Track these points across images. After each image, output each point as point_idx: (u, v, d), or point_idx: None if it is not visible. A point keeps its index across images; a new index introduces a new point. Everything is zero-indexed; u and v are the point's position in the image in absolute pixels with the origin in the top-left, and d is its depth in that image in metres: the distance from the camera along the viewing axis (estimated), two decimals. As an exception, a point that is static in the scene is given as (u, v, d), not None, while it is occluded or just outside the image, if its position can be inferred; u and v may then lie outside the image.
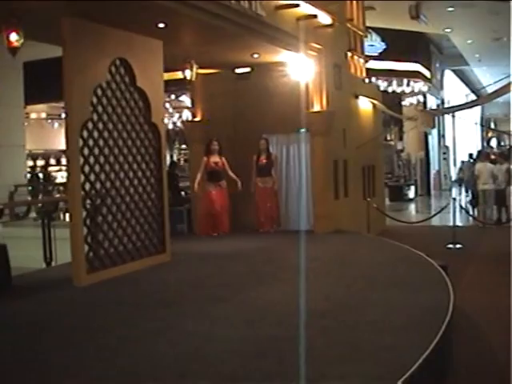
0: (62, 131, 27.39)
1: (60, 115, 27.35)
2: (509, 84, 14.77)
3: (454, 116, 27.72)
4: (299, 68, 13.82)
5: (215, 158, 13.88)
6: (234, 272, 9.84)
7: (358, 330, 6.44)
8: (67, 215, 15.67)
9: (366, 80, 18.15)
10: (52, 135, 28.71)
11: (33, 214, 15.76)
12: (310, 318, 6.67)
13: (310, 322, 6.53)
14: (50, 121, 29.20)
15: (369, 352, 5.67)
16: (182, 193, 17.04)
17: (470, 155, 28.48)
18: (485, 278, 11.48)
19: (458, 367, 6.82)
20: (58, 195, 20.60)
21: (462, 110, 18.88)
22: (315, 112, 13.86)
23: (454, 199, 16.14)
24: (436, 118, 31.06)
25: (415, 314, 6.91)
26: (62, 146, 28.48)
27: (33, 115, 28.05)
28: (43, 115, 28.68)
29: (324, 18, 13.56)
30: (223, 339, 6.14)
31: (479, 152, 23.43)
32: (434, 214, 19.21)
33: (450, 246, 14.72)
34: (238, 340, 6.12)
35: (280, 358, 5.56)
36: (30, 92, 20.37)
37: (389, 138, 32.74)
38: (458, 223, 16.06)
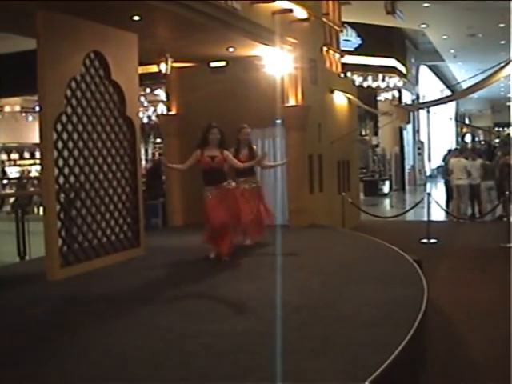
0: (36, 124, 26.86)
1: (34, 108, 27.11)
2: (483, 80, 14.85)
3: (428, 111, 27.90)
4: (275, 62, 13.79)
5: (212, 151, 10.02)
6: (209, 267, 9.82)
7: (333, 324, 6.44)
8: (41, 209, 15.65)
9: (342, 75, 18.16)
10: (26, 128, 28.45)
11: (7, 208, 15.67)
12: (284, 312, 6.67)
13: (284, 316, 6.52)
14: (24, 114, 28.93)
15: (342, 347, 5.68)
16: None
17: (449, 151, 28.66)
18: (459, 273, 11.54)
19: (432, 362, 6.85)
20: (32, 189, 20.51)
21: (437, 105, 18.95)
22: (290, 106, 13.86)
23: (429, 194, 16.19)
24: (411, 114, 31.19)
25: (389, 309, 6.92)
26: (37, 139, 28.20)
27: (7, 108, 27.83)
28: (17, 108, 28.42)
29: (300, 13, 13.59)
30: (198, 334, 6.12)
31: (457, 149, 23.51)
32: (409, 209, 19.32)
33: (425, 240, 14.79)
34: (213, 335, 6.10)
35: (255, 352, 5.56)
36: (4, 85, 20.21)
37: (364, 133, 32.84)
38: (433, 218, 16.11)
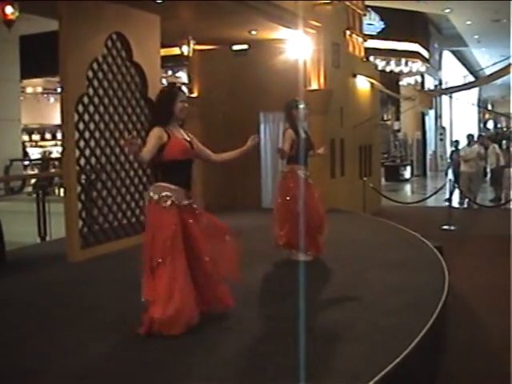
0: (58, 106, 27.07)
1: (56, 89, 27.17)
2: (508, 66, 14.69)
3: (451, 97, 27.67)
4: (297, 46, 13.73)
5: (181, 134, 6.06)
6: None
7: (354, 310, 6.42)
8: (62, 190, 15.69)
9: (364, 59, 18.04)
10: (48, 109, 28.53)
11: (28, 189, 15.72)
12: (305, 297, 6.65)
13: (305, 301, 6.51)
14: (45, 95, 29.01)
15: (365, 332, 5.65)
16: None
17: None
18: (479, 260, 11.47)
19: (452, 348, 6.81)
20: (53, 170, 20.56)
21: (460, 91, 18.81)
22: (313, 90, 13.78)
23: (451, 180, 16.09)
24: (433, 99, 30.97)
25: (410, 295, 6.89)
26: (58, 120, 28.32)
27: (29, 89, 27.88)
28: (39, 89, 28.49)
29: (323, -4, 13.50)
30: (216, 317, 6.10)
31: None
32: (430, 195, 19.19)
33: (446, 227, 14.70)
34: (233, 319, 6.09)
35: (278, 337, 5.58)
36: (26, 66, 20.26)
37: (386, 118, 32.66)
38: (454, 204, 16.03)
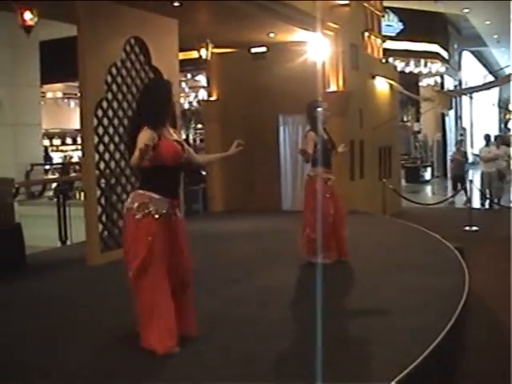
0: (78, 110, 27.26)
1: (76, 94, 27.21)
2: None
3: (471, 97, 27.53)
4: (315, 48, 13.72)
5: (171, 134, 5.47)
6: (247, 253, 9.79)
7: (375, 311, 6.41)
8: (82, 194, 15.73)
9: (383, 60, 17.98)
10: (68, 114, 28.66)
11: (49, 193, 15.78)
12: (325, 299, 6.64)
13: (324, 303, 6.49)
14: (65, 100, 29.13)
15: (383, 334, 5.64)
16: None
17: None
18: (500, 260, 11.39)
19: (472, 350, 6.77)
20: (73, 174, 20.63)
21: (480, 91, 18.72)
22: (332, 92, 13.77)
23: (471, 181, 16.01)
24: (453, 100, 30.83)
25: (430, 297, 6.86)
26: (78, 125, 28.42)
27: (49, 94, 28.01)
28: (59, 94, 28.63)
29: (341, -3, 13.50)
30: (235, 319, 6.11)
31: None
32: (451, 196, 19.10)
33: (467, 228, 14.61)
34: (251, 321, 6.10)
35: (295, 340, 5.57)
36: (47, 71, 20.33)
37: (405, 119, 32.54)
38: (475, 205, 15.94)
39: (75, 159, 26.37)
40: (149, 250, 5.13)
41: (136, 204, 5.19)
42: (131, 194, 5.42)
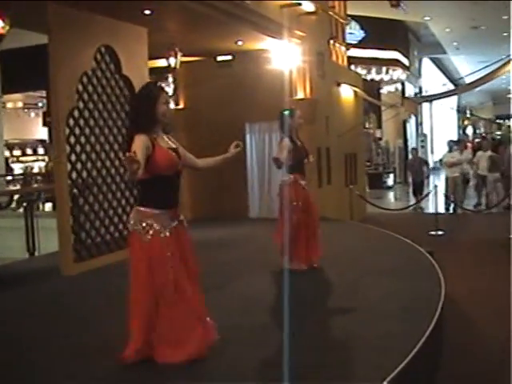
0: (39, 120, 27.13)
1: (36, 104, 27.11)
2: (488, 74, 14.90)
3: (431, 101, 27.90)
4: (282, 55, 13.77)
5: (165, 142, 5.33)
6: (223, 261, 9.78)
7: (354, 317, 6.44)
8: (46, 205, 15.61)
9: (347, 68, 18.14)
10: (28, 125, 28.44)
11: (12, 205, 15.60)
12: (301, 306, 6.67)
13: (302, 310, 6.52)
14: (26, 110, 28.88)
15: (366, 339, 5.67)
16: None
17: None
18: (468, 263, 11.54)
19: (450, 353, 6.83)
20: (35, 185, 20.43)
21: (442, 98, 19.01)
22: (299, 99, 13.83)
23: (436, 186, 16.17)
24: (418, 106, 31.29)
25: (407, 301, 6.92)
26: (39, 135, 28.26)
27: (9, 105, 27.74)
28: (19, 104, 28.36)
29: (307, 6, 13.55)
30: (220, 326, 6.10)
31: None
32: (417, 202, 19.33)
33: (433, 232, 14.75)
34: (232, 328, 6.09)
35: (273, 346, 5.55)
36: (6, 81, 20.14)
37: (367, 126, 32.78)
38: (440, 210, 16.11)
39: (36, 170, 26.14)
40: (171, 270, 5.01)
41: (138, 225, 5.05)
42: (132, 211, 5.22)
